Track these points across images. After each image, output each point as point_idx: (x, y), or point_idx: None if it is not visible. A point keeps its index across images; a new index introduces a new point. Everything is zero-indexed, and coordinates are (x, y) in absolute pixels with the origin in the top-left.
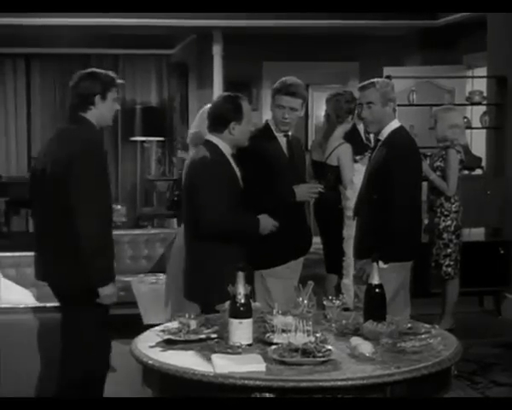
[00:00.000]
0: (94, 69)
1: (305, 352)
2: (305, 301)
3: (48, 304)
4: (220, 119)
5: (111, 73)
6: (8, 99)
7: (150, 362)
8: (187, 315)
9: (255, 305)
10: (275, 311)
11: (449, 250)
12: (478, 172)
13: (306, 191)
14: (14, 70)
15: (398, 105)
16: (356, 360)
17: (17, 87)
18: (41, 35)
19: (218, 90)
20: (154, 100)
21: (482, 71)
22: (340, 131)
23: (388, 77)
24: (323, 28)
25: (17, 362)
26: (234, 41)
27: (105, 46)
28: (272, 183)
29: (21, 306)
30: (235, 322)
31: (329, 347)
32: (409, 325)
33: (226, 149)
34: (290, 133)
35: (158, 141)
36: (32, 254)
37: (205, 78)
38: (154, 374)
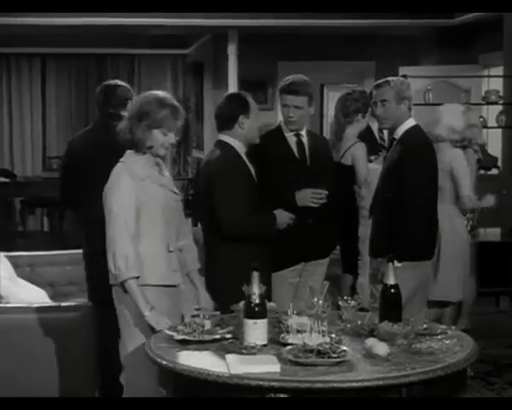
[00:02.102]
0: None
1: (320, 353)
2: (320, 302)
3: (63, 304)
4: (228, 115)
5: None
6: (23, 99)
7: (164, 363)
8: (201, 315)
9: (270, 305)
10: (289, 311)
11: None
12: (494, 171)
13: (308, 197)
14: (30, 70)
15: (414, 104)
16: (371, 361)
17: (32, 87)
18: (57, 35)
19: (232, 89)
20: None
21: (498, 70)
22: (353, 130)
23: (404, 76)
24: (339, 27)
25: (29, 362)
26: (249, 40)
27: (121, 46)
28: (276, 184)
29: (35, 305)
30: (249, 322)
31: (344, 347)
32: (424, 326)
33: (240, 148)
34: (303, 132)
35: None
36: (46, 253)
37: (220, 77)
38: (168, 374)
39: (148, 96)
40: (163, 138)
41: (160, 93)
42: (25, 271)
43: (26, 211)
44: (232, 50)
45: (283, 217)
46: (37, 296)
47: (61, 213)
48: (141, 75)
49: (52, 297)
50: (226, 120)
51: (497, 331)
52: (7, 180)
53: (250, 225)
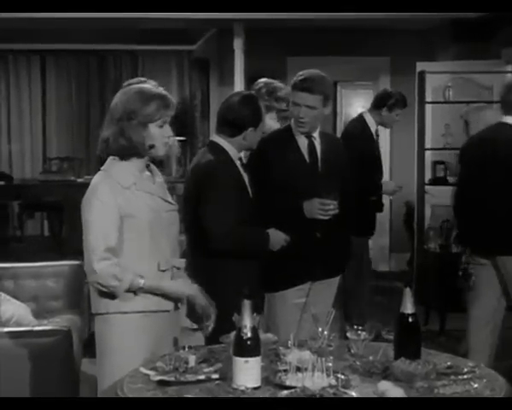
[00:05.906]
0: None
1: None
2: (326, 333)
3: (35, 328)
4: (237, 124)
5: None
6: (22, 97)
7: None
8: (187, 348)
9: (267, 336)
10: (290, 343)
11: None
12: None
13: (316, 208)
14: (29, 67)
15: (433, 102)
16: None
17: (32, 85)
18: (56, 30)
19: (239, 87)
20: (174, 98)
21: None
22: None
23: (422, 72)
24: (352, 21)
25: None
26: (256, 35)
27: (123, 42)
28: (283, 192)
29: (5, 330)
30: (239, 361)
31: (353, 393)
32: (448, 364)
33: (234, 154)
34: (316, 134)
35: (178, 140)
36: (30, 264)
37: (226, 74)
38: None
39: (127, 92)
40: (160, 132)
41: (140, 84)
42: (8, 284)
43: (24, 215)
44: (238, 45)
45: (278, 237)
46: (19, 313)
47: (60, 218)
48: (144, 73)
49: (36, 313)
50: (231, 127)
51: None
52: (1, 183)
53: (241, 239)
